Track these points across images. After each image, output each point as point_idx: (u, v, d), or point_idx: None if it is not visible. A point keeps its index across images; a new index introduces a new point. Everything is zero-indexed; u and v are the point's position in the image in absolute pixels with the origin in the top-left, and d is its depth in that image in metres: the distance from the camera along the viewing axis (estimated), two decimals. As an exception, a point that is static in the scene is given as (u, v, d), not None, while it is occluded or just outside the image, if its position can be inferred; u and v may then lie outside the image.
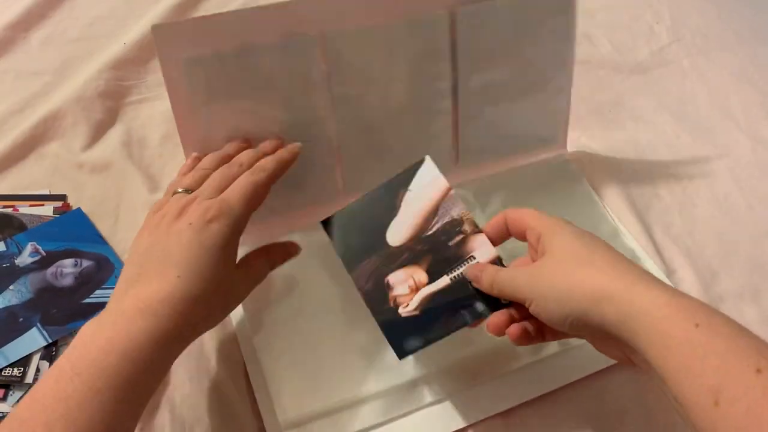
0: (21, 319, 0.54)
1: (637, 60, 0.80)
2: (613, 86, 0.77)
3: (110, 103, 0.71)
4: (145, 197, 0.64)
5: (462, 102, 0.62)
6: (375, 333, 0.52)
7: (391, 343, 0.49)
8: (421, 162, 0.54)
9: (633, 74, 0.79)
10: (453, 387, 0.53)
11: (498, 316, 0.47)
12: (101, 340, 0.39)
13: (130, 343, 0.39)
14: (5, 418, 0.38)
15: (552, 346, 0.55)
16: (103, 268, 0.58)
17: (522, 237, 0.48)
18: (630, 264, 0.42)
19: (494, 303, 0.48)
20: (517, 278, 0.45)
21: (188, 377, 0.53)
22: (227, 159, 0.52)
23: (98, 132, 0.69)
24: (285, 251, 0.54)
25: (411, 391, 0.52)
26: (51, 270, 0.58)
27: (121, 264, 0.58)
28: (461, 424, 0.51)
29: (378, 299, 0.51)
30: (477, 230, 0.51)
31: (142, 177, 0.65)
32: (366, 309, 0.52)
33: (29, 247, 0.59)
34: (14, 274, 0.57)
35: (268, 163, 0.51)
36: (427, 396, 0.52)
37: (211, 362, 0.54)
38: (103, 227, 0.62)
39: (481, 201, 0.64)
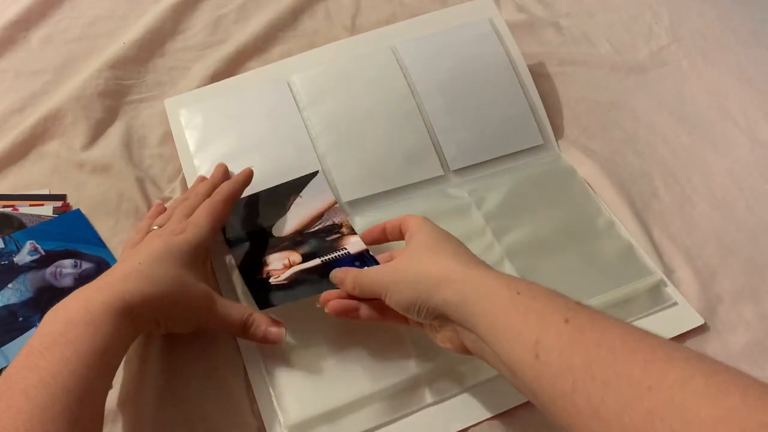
0: (21, 319, 0.54)
1: (636, 60, 0.80)
2: (612, 86, 0.77)
3: (110, 102, 0.71)
4: (144, 197, 0.64)
5: (431, 119, 0.68)
6: (374, 334, 0.54)
7: (254, 297, 0.54)
8: (314, 174, 0.63)
9: (632, 74, 0.79)
10: (454, 388, 0.53)
11: (331, 293, 0.51)
12: (64, 316, 0.43)
13: (89, 315, 0.43)
14: None
15: None
16: (103, 271, 0.58)
17: (401, 237, 0.54)
18: (470, 255, 0.48)
19: None
20: (377, 274, 0.49)
21: (191, 375, 0.53)
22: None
23: (98, 131, 0.69)
24: (263, 333, 0.52)
25: (412, 392, 0.53)
26: (50, 270, 0.58)
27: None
28: (462, 425, 0.52)
29: (251, 269, 0.57)
30: (352, 233, 0.58)
31: (142, 177, 0.65)
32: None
33: (28, 246, 0.59)
34: (13, 271, 0.57)
35: (224, 186, 0.58)
36: (428, 397, 0.52)
37: (213, 361, 0.54)
38: (103, 227, 0.62)
39: (476, 198, 0.64)
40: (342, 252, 0.56)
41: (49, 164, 0.66)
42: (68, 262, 0.58)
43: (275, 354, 0.54)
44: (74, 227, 0.61)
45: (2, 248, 0.59)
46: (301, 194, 0.62)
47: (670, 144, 0.72)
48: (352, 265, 0.54)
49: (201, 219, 0.54)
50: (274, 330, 0.52)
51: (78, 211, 0.63)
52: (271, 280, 0.55)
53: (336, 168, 0.64)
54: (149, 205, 0.63)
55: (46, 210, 0.62)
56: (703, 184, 0.69)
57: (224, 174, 0.62)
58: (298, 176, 0.63)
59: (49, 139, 0.68)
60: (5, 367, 0.51)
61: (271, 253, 0.58)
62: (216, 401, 0.52)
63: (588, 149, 0.70)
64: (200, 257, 0.53)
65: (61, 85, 0.72)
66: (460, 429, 0.52)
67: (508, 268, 0.59)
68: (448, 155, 0.67)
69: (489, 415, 0.52)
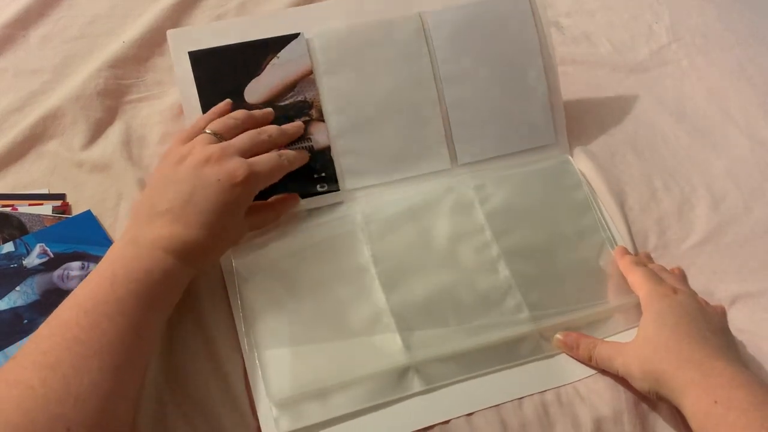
0: (25, 321, 0.54)
1: (636, 60, 0.80)
2: (612, 86, 0.77)
3: (109, 101, 0.71)
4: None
5: (450, 111, 0.65)
6: (361, 315, 0.55)
7: None
8: (295, 35, 0.62)
9: (632, 74, 0.79)
10: (446, 377, 0.53)
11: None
12: (142, 265, 0.48)
13: (164, 274, 0.49)
14: (62, 305, 0.47)
15: (537, 351, 0.56)
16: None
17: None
18: (685, 343, 0.50)
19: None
20: (613, 359, 0.53)
21: (188, 354, 0.54)
22: (255, 123, 0.59)
23: (97, 131, 0.69)
24: (286, 203, 0.60)
25: (402, 378, 0.53)
26: (58, 272, 0.58)
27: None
28: (450, 416, 0.52)
29: None
30: (321, 119, 0.62)
31: (142, 176, 0.65)
32: (359, 290, 0.57)
33: (37, 249, 0.59)
34: (21, 275, 0.57)
35: (292, 156, 0.59)
36: (417, 384, 0.53)
37: (210, 341, 0.55)
38: (101, 223, 0.62)
39: (479, 195, 0.64)
40: (306, 144, 0.61)
41: (49, 164, 0.66)
42: (76, 264, 0.58)
43: (268, 333, 0.54)
44: (84, 228, 0.61)
45: (12, 251, 0.59)
46: (278, 55, 0.62)
47: (670, 144, 0.72)
48: (312, 163, 0.61)
49: (261, 174, 0.54)
50: (293, 201, 0.61)
51: (89, 212, 0.62)
52: None
53: (345, 154, 0.63)
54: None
55: (45, 209, 0.62)
56: (702, 185, 0.69)
57: (300, 131, 0.62)
58: (278, 35, 0.63)
59: (48, 138, 0.68)
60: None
61: None
62: (212, 377, 0.53)
63: (588, 149, 0.70)
64: (248, 205, 0.55)
65: (61, 84, 0.72)
66: (448, 419, 0.52)
67: (503, 270, 0.59)
68: (459, 149, 0.65)
69: (476, 408, 0.52)
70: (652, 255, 0.63)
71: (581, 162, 0.68)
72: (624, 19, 0.84)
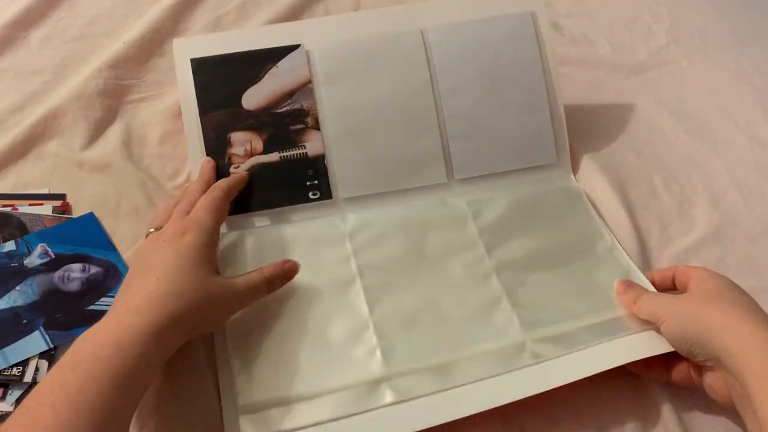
0: (25, 321, 0.54)
1: (635, 60, 0.80)
2: (611, 86, 0.77)
3: (110, 101, 0.71)
4: (144, 196, 0.64)
5: (447, 123, 0.65)
6: (342, 327, 0.54)
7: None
8: (295, 46, 0.63)
9: (632, 74, 0.79)
10: (420, 391, 0.51)
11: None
12: (95, 338, 0.44)
13: (120, 337, 0.43)
14: (15, 411, 0.41)
15: (526, 359, 0.53)
16: (111, 276, 0.58)
17: (684, 289, 0.55)
18: (762, 312, 0.49)
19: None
20: (662, 300, 0.53)
21: (187, 354, 0.53)
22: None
23: (98, 131, 0.69)
24: (283, 273, 0.56)
25: (373, 390, 0.51)
26: (59, 273, 0.58)
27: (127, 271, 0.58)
28: (420, 426, 0.49)
29: (217, 151, 0.61)
30: (316, 127, 0.62)
31: (142, 176, 0.65)
32: (343, 301, 0.56)
33: (39, 249, 0.59)
34: (22, 274, 0.57)
35: (221, 182, 0.58)
36: (388, 396, 0.51)
37: (209, 340, 0.54)
38: (103, 226, 0.62)
39: (473, 209, 0.63)
40: (301, 151, 0.62)
41: (49, 163, 0.66)
42: (77, 266, 0.58)
43: (242, 338, 0.54)
44: (86, 230, 0.61)
45: (14, 250, 0.59)
46: (278, 64, 0.63)
47: (670, 144, 0.72)
48: (305, 170, 0.62)
49: (202, 216, 0.53)
50: (288, 265, 0.56)
51: (91, 214, 0.62)
52: (231, 170, 0.61)
53: (340, 162, 0.63)
54: (149, 205, 0.63)
55: (46, 209, 0.62)
56: (702, 184, 0.69)
57: (213, 170, 0.61)
58: (279, 46, 0.63)
59: (48, 138, 0.68)
60: (5, 368, 0.51)
61: (236, 130, 0.61)
62: (178, 376, 0.52)
63: (587, 149, 0.70)
64: (211, 253, 0.52)
65: (61, 84, 0.72)
66: (422, 428, 0.49)
67: (495, 283, 0.58)
68: (456, 164, 0.64)
69: (451, 418, 0.50)
70: (655, 250, 0.63)
71: (581, 161, 0.68)
72: (623, 20, 0.85)
